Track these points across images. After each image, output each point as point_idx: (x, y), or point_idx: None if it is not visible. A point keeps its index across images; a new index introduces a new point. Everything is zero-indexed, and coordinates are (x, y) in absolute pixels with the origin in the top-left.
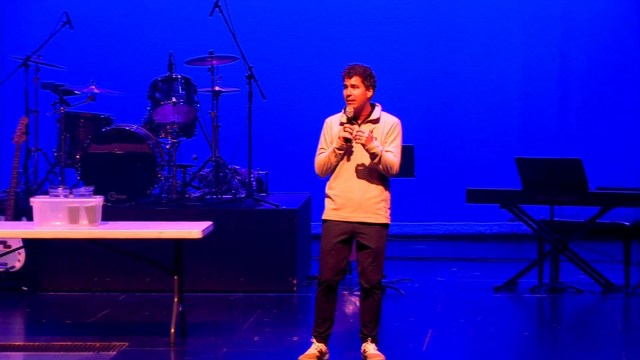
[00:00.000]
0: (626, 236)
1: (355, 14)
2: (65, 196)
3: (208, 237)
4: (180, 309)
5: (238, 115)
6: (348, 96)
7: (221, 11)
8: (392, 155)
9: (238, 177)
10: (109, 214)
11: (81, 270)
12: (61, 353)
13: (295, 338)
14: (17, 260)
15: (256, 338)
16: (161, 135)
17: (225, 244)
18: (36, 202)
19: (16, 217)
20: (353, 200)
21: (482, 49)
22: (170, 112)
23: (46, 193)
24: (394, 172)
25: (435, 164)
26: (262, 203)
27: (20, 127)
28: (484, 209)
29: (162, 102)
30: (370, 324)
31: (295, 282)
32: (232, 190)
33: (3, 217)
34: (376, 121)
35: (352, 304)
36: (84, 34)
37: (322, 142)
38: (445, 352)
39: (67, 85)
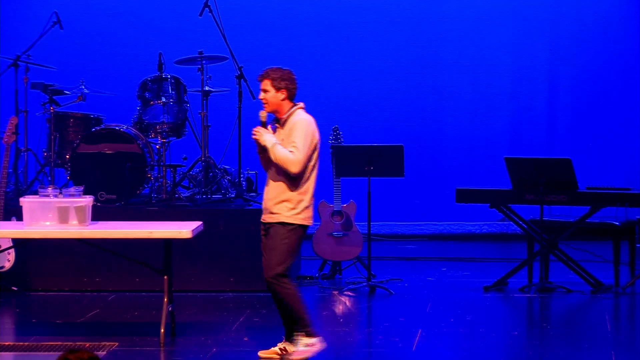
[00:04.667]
0: (616, 236)
1: (346, 14)
2: (55, 196)
3: (198, 237)
4: (169, 309)
5: (228, 115)
6: (261, 100)
7: (211, 11)
8: (285, 151)
9: (228, 177)
10: (99, 214)
11: (71, 270)
12: (51, 353)
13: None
14: (7, 260)
15: (246, 338)
16: (151, 135)
17: (215, 243)
18: (26, 202)
19: (6, 217)
20: (265, 202)
21: (471, 49)
22: (160, 112)
23: (36, 193)
24: (292, 170)
25: (424, 164)
26: (251, 203)
27: (9, 127)
28: (474, 208)
29: (151, 102)
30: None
31: None
32: (222, 190)
33: None
34: (284, 122)
35: (342, 304)
36: (73, 33)
37: None
38: (435, 351)
39: (56, 85)
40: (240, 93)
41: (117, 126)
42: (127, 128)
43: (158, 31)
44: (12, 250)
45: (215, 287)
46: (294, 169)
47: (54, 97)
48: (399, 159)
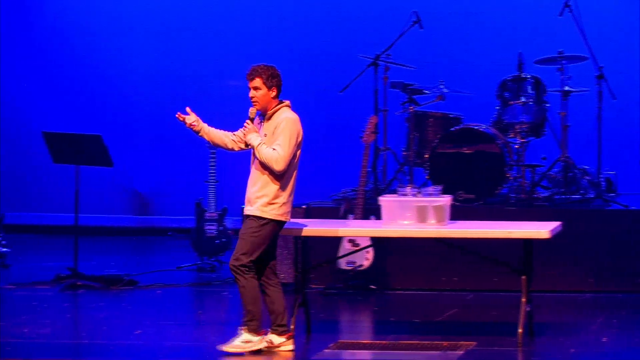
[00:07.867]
0: None
1: None
2: (414, 195)
3: (556, 237)
4: (528, 308)
5: (587, 115)
6: (251, 98)
7: (571, 11)
8: (269, 150)
9: (587, 178)
10: (457, 214)
11: (428, 269)
12: (408, 352)
13: None
14: (366, 259)
15: (604, 339)
16: (510, 135)
17: (573, 244)
18: (385, 201)
19: (365, 216)
20: (247, 192)
21: None
22: (520, 111)
23: (395, 192)
24: (276, 168)
25: None
26: (611, 203)
27: (369, 126)
28: None
29: (511, 102)
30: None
31: None
32: (581, 190)
33: (352, 216)
34: (269, 118)
35: None
36: (433, 33)
37: None
38: None
39: (416, 85)
40: (600, 93)
41: (476, 126)
42: (486, 127)
43: (517, 31)
44: (371, 249)
45: (574, 287)
46: (278, 166)
47: (413, 97)
48: None
